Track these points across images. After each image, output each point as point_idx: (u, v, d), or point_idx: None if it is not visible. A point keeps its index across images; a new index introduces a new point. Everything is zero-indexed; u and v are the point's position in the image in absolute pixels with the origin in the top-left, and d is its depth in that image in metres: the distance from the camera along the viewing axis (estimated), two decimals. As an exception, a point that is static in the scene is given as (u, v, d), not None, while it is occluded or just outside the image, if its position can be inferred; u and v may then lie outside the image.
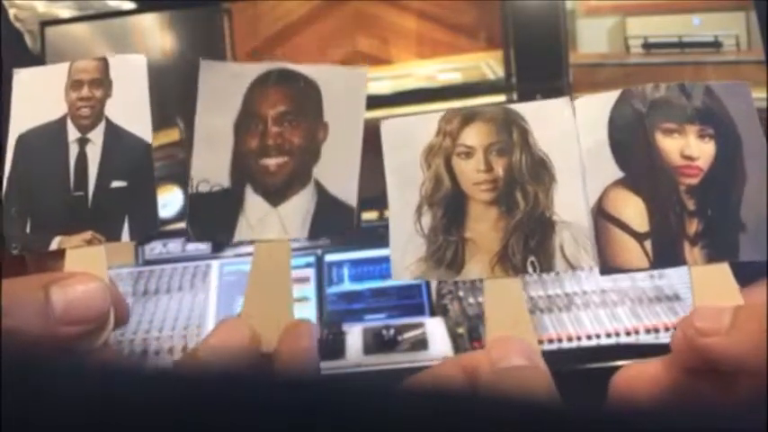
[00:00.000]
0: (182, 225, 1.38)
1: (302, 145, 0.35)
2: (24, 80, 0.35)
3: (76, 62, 0.35)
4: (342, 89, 0.36)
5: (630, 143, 0.32)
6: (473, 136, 0.33)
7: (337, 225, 0.35)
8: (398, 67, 1.48)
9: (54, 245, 0.33)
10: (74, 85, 0.35)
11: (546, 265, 0.32)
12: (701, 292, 0.30)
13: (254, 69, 0.36)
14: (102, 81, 0.35)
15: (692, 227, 0.31)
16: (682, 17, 1.40)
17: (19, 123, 0.35)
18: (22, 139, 0.34)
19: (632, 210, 0.32)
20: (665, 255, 0.31)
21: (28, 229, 0.33)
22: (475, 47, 1.47)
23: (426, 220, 0.33)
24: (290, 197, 0.35)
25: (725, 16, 1.38)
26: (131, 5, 1.51)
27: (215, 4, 1.46)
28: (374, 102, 1.44)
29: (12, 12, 1.42)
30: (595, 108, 0.33)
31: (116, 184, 0.34)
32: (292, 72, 0.36)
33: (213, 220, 0.35)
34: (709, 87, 0.33)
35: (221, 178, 0.35)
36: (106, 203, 0.33)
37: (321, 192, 0.35)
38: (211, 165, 0.35)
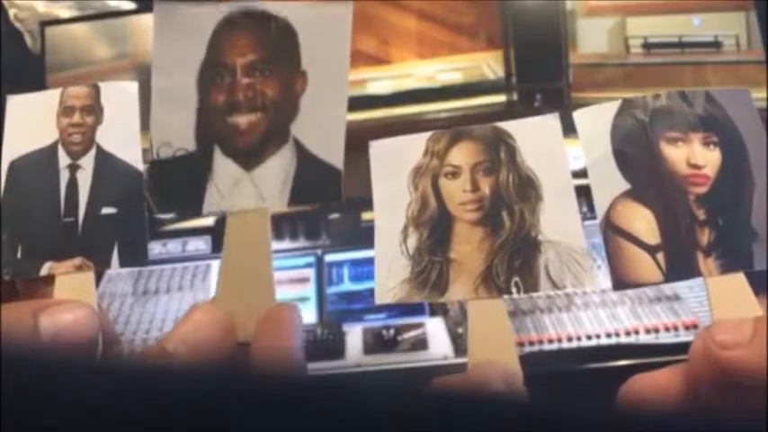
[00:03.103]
0: (182, 225, 1.39)
1: (277, 98, 0.31)
2: (17, 106, 0.35)
3: (68, 88, 0.35)
4: (322, 31, 0.32)
5: (635, 154, 0.32)
6: (460, 155, 0.33)
7: (321, 190, 0.31)
8: (398, 67, 1.48)
9: (44, 270, 0.32)
10: (65, 111, 0.34)
11: (530, 286, 0.31)
12: (719, 304, 0.29)
13: (218, 10, 0.32)
14: (94, 107, 0.34)
15: (704, 237, 0.31)
16: (682, 17, 1.40)
17: (11, 149, 0.34)
18: (14, 166, 0.34)
19: (642, 222, 0.31)
20: (679, 267, 0.30)
21: (19, 255, 0.33)
22: (475, 47, 1.47)
23: (412, 241, 0.32)
24: (265, 159, 0.31)
25: (725, 16, 1.38)
26: (131, 5, 1.51)
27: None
28: (374, 102, 1.45)
29: (12, 12, 1.42)
30: (596, 119, 0.33)
31: (106, 210, 0.33)
32: (263, 13, 0.32)
33: (178, 190, 0.31)
34: (709, 94, 0.32)
35: (185, 141, 0.31)
36: (96, 230, 0.33)
37: (301, 151, 0.31)
38: (173, 125, 0.31)
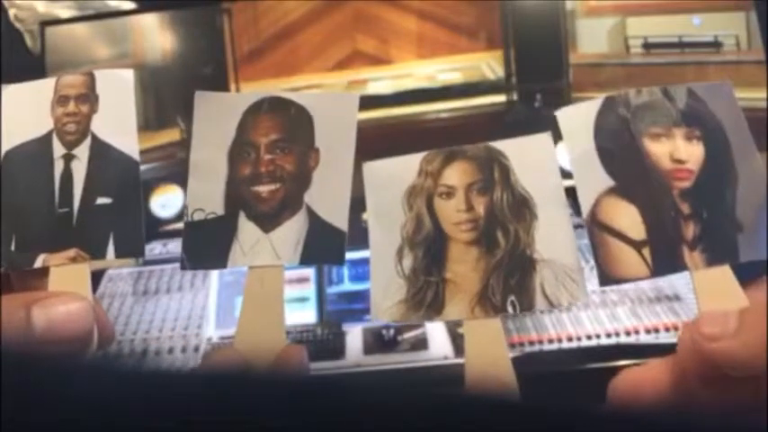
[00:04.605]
0: (182, 225, 1.39)
1: (294, 172, 0.35)
2: (12, 96, 0.35)
3: (63, 77, 0.35)
4: (333, 116, 0.36)
5: (618, 150, 0.32)
6: (454, 175, 0.33)
7: (328, 250, 0.35)
8: (398, 67, 1.48)
9: (38, 262, 0.32)
10: (60, 100, 0.34)
11: (526, 305, 0.31)
12: (705, 296, 0.30)
13: (247, 99, 0.37)
14: (89, 96, 0.34)
15: (689, 231, 0.31)
16: (682, 17, 1.40)
17: (6, 139, 0.34)
18: (8, 156, 0.34)
19: (627, 218, 0.31)
20: (665, 261, 0.31)
21: (13, 247, 0.33)
22: (475, 47, 1.47)
23: (407, 261, 0.33)
24: (282, 223, 0.35)
25: (725, 16, 1.38)
26: (131, 5, 1.51)
27: (215, 4, 1.46)
28: (374, 102, 1.44)
29: (12, 12, 1.42)
30: (579, 117, 0.33)
31: (101, 201, 0.33)
32: (284, 100, 0.36)
33: (208, 248, 0.35)
34: (691, 89, 0.33)
35: (215, 206, 0.35)
36: (91, 221, 0.33)
37: (312, 217, 0.35)
38: (206, 194, 0.35)
